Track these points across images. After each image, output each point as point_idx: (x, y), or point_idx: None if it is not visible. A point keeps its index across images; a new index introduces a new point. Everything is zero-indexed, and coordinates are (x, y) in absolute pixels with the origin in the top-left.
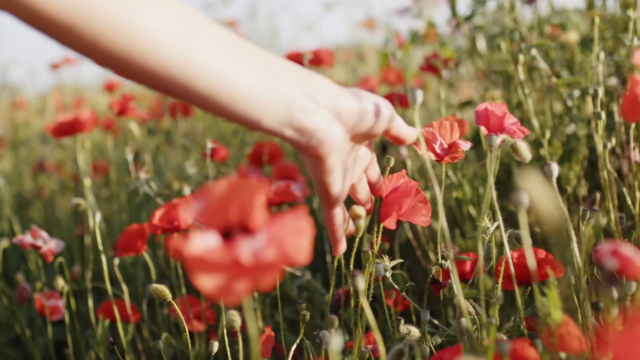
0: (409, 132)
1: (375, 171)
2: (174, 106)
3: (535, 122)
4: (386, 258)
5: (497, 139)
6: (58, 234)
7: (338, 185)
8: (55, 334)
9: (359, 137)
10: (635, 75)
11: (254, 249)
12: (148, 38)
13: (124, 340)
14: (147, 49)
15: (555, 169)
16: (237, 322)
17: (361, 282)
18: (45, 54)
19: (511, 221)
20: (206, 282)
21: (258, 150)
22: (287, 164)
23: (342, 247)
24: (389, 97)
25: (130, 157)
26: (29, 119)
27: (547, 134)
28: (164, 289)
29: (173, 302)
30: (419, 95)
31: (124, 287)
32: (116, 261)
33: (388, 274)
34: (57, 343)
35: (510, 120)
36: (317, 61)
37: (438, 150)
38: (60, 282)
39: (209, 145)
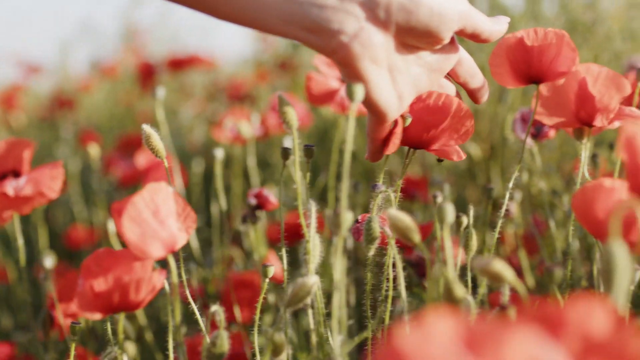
0: (491, 28)
1: (466, 72)
2: (61, 101)
3: None
4: None
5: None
6: None
7: (384, 97)
8: None
9: (419, 40)
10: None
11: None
12: None
13: None
14: None
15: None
16: (49, 263)
17: None
18: None
19: None
20: None
21: (124, 139)
22: None
23: (378, 158)
24: None
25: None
26: None
27: None
28: None
29: None
30: None
31: None
32: None
33: None
34: None
35: None
36: None
37: None
38: None
39: (67, 135)
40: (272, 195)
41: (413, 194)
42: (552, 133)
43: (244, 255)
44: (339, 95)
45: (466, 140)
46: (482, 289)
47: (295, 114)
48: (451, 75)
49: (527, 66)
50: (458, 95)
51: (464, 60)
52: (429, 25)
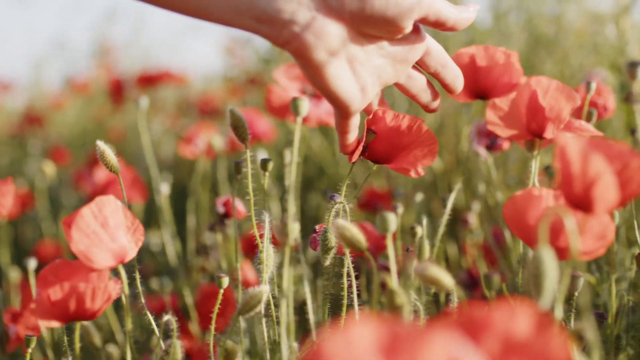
0: (457, 15)
1: (436, 62)
2: (31, 118)
3: None
4: None
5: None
6: None
7: (344, 89)
8: None
9: (377, 29)
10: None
11: None
12: None
13: None
14: None
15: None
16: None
17: None
18: None
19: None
20: None
21: (95, 155)
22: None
23: (349, 151)
24: None
25: None
26: None
27: None
28: None
29: None
30: None
31: None
32: None
33: None
34: None
35: None
36: None
37: None
38: None
39: (35, 151)
40: (240, 204)
41: (376, 206)
42: (506, 145)
43: (214, 267)
44: None
45: (430, 164)
46: (424, 297)
47: (247, 127)
48: (421, 66)
49: (475, 82)
50: (429, 85)
51: (433, 50)
52: (386, 13)
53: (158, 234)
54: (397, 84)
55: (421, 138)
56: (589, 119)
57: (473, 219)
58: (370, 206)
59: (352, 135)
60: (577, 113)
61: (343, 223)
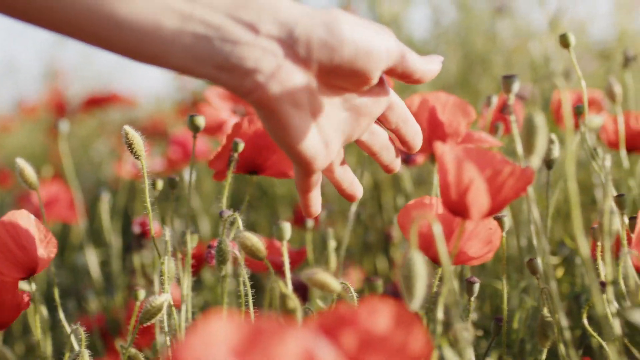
0: (424, 67)
1: (398, 117)
2: None
3: None
4: None
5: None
6: None
7: (307, 145)
8: None
9: (345, 80)
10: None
11: None
12: None
13: None
14: None
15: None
16: None
17: None
18: None
19: None
20: None
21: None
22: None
23: (313, 213)
24: None
25: None
26: None
27: None
28: None
29: None
30: None
31: None
32: None
33: None
34: None
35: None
36: None
37: None
38: None
39: None
40: (156, 223)
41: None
42: (420, 159)
43: (149, 284)
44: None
45: None
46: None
47: (142, 144)
48: (381, 121)
49: None
50: (391, 141)
51: (396, 105)
52: (355, 64)
53: (96, 252)
54: (358, 141)
55: None
56: (495, 132)
57: (396, 232)
58: (302, 223)
59: (315, 194)
60: (485, 127)
61: (244, 233)
